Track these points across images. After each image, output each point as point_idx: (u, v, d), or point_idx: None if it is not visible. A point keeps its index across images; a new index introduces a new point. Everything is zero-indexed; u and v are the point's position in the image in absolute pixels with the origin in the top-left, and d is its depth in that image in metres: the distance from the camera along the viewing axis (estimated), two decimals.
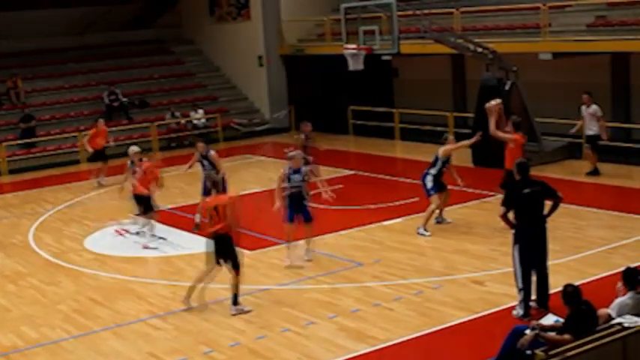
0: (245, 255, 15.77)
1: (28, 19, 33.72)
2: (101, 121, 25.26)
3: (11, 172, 27.90)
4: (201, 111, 32.21)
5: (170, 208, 20.13)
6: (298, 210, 15.08)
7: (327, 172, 22.62)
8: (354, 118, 30.65)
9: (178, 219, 19.07)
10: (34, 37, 33.85)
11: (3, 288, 15.11)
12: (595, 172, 20.86)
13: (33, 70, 33.04)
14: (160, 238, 17.42)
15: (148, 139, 30.33)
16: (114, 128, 30.20)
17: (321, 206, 17.95)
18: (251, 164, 26.55)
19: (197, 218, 17.64)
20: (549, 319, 9.77)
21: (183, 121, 31.38)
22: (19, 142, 29.17)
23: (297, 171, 15.00)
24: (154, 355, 11.42)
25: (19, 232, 19.14)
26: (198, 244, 16.81)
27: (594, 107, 20.89)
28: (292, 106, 32.75)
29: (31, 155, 29.01)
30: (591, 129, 21.01)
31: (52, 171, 27.41)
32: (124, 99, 31.89)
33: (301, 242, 15.44)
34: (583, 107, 21.11)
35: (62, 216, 20.66)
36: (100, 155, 24.73)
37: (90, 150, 24.72)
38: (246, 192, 20.15)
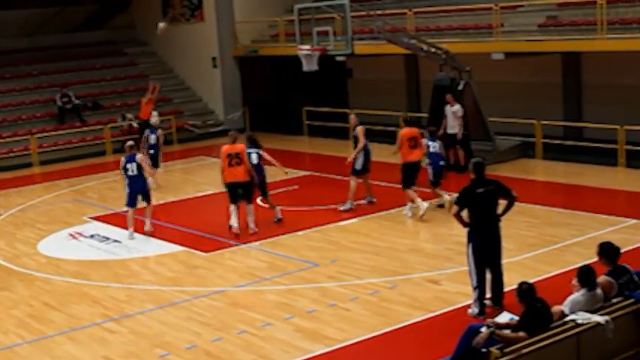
0: (200, 257, 15.81)
1: None
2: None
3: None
4: (155, 113, 31.94)
5: (125, 211, 19.99)
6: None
7: (282, 174, 22.59)
8: (308, 118, 30.66)
9: (133, 222, 18.94)
10: None
11: None
12: (463, 169, 20.79)
13: None
14: (115, 240, 17.31)
15: (102, 141, 30.09)
16: (67, 131, 29.98)
17: (278, 207, 17.98)
18: (205, 166, 26.42)
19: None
20: (504, 317, 9.85)
21: (135, 123, 31.16)
22: None
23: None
24: (109, 358, 11.33)
25: None
26: (152, 247, 16.80)
27: (457, 107, 21.56)
28: (247, 107, 32.71)
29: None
30: (453, 128, 21.59)
31: (3, 174, 27.09)
32: (77, 101, 31.57)
33: None
34: (447, 106, 21.75)
35: (14, 220, 20.41)
36: None
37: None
38: (201, 194, 20.06)
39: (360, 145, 18.41)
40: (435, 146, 18.33)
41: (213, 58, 33.31)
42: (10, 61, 33.65)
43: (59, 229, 18.84)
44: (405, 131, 17.71)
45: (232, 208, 17.01)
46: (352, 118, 19.40)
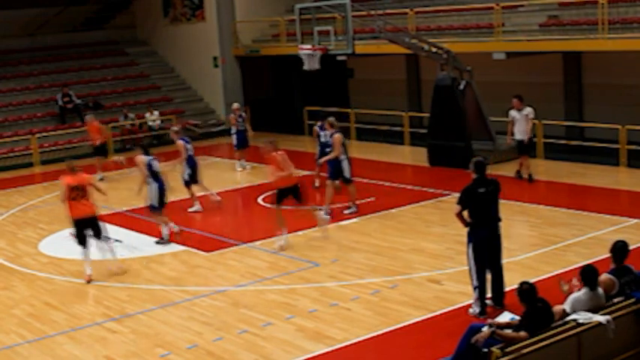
0: (201, 257, 15.81)
1: None
2: (88, 118, 25.19)
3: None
4: (156, 112, 32.02)
5: (125, 211, 20.02)
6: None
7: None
8: (309, 118, 30.66)
9: (134, 221, 18.97)
10: None
11: None
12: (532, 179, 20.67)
13: None
14: (116, 240, 17.27)
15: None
16: (68, 130, 29.98)
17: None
18: (207, 165, 26.41)
19: (176, 228, 17.31)
20: (505, 317, 9.86)
21: (137, 122, 31.16)
22: None
23: None
24: (110, 358, 11.34)
25: None
26: (153, 247, 16.80)
27: (528, 109, 20.28)
28: (248, 106, 32.70)
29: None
30: (522, 133, 20.26)
31: (4, 174, 27.11)
32: (78, 101, 31.60)
33: None
34: (512, 111, 20.47)
35: (16, 219, 20.42)
36: (98, 151, 24.77)
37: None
38: (202, 193, 20.05)
39: (334, 154, 18.05)
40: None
41: (214, 58, 33.32)
42: (11, 60, 33.73)
43: (60, 229, 18.81)
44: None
45: (84, 252, 14.89)
46: (326, 124, 19.01)
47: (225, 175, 24.48)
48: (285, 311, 12.54)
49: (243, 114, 24.97)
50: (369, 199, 19.37)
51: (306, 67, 23.23)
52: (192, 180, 19.74)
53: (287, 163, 16.00)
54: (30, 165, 28.39)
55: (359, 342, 11.25)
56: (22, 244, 18.04)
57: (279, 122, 31.09)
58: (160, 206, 16.94)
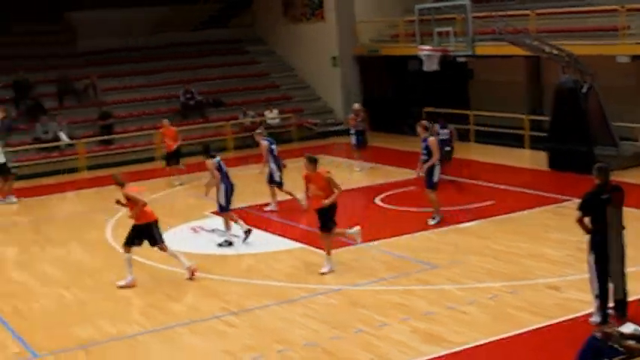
0: (319, 255, 15.92)
1: (107, 18, 34.37)
2: (165, 122, 25.38)
3: (89, 168, 28.41)
4: (275, 111, 32.42)
5: (244, 207, 20.33)
6: None
7: (401, 174, 22.64)
8: (427, 120, 30.47)
9: (253, 218, 19.25)
10: (113, 36, 34.45)
11: (80, 282, 15.43)
12: None
13: (111, 68, 33.61)
14: (235, 236, 17.56)
15: (223, 137, 30.65)
16: (190, 127, 30.58)
17: (397, 208, 17.97)
18: (324, 165, 26.55)
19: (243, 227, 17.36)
20: (629, 328, 9.64)
21: (258, 120, 31.59)
22: (97, 138, 29.71)
23: None
24: (228, 351, 11.54)
25: (96, 228, 19.45)
26: (271, 244, 17.03)
27: None
28: (365, 107, 32.74)
29: (108, 152, 29.52)
30: None
31: (128, 168, 27.82)
32: (200, 97, 32.25)
33: None
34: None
35: None
36: (171, 156, 24.71)
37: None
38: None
39: (435, 158, 17.45)
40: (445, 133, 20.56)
41: (334, 58, 33.49)
42: (136, 57, 34.63)
43: (181, 223, 19.24)
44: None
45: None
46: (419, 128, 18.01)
47: (342, 175, 24.55)
48: (402, 312, 12.54)
49: (363, 114, 25.04)
50: (487, 203, 19.20)
51: (425, 67, 23.18)
52: (277, 180, 19.97)
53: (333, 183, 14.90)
54: (152, 160, 29.06)
55: (475, 347, 11.15)
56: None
57: (397, 123, 31.00)
58: (228, 206, 17.12)
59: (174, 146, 24.54)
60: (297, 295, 13.70)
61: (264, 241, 17.26)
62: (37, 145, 29.16)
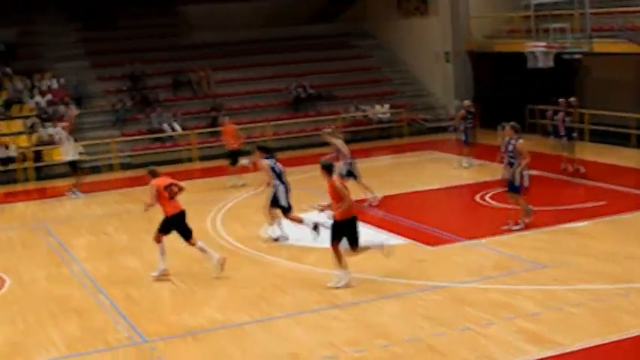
0: (426, 251, 15.88)
1: (221, 11, 34.95)
2: (225, 119, 25.38)
3: (201, 158, 28.94)
4: (386, 105, 32.42)
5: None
6: None
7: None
8: (533, 117, 29.97)
9: (358, 212, 19.27)
10: (226, 29, 34.97)
11: (190, 270, 15.72)
12: None
13: (224, 61, 34.14)
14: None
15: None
16: (301, 119, 30.83)
17: (506, 206, 17.76)
18: (434, 160, 26.52)
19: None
20: None
21: (369, 114, 31.63)
22: (209, 130, 30.22)
23: None
24: (332, 344, 11.59)
25: (207, 218, 19.81)
26: (378, 238, 17.01)
27: None
28: (477, 103, 32.39)
29: (220, 143, 29.93)
30: None
31: (242, 159, 28.13)
32: (311, 91, 32.48)
33: None
34: None
35: (250, 203, 21.15)
36: (232, 155, 24.29)
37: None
38: (427, 188, 20.13)
39: (525, 161, 16.93)
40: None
41: (446, 53, 33.28)
42: (249, 50, 35.05)
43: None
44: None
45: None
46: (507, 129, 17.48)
47: (450, 171, 24.44)
48: (508, 311, 12.39)
49: (473, 110, 24.83)
50: (599, 203, 18.80)
51: (539, 64, 22.83)
52: (353, 175, 19.86)
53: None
54: None
55: (583, 349, 10.93)
56: (254, 227, 18.66)
57: (506, 119, 30.50)
58: (288, 207, 17.11)
59: (236, 145, 24.21)
60: (401, 291, 13.68)
61: (372, 236, 17.26)
62: (150, 136, 29.86)
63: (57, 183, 26.07)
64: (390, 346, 11.36)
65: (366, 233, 17.34)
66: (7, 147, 28.00)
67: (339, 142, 19.93)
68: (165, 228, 15.28)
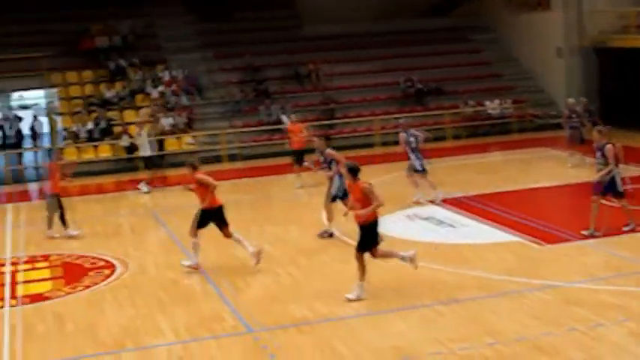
0: (535, 249, 15.61)
1: (333, 4, 35.02)
2: (292, 117, 25.26)
3: (309, 151, 29.01)
4: (497, 101, 32.00)
5: (460, 197, 20.18)
6: None
7: (625, 170, 21.72)
8: None
9: (468, 208, 19.09)
10: (338, 22, 35.01)
11: (296, 262, 15.81)
12: None
13: (335, 54, 34.19)
14: (450, 225, 17.43)
15: (442, 126, 30.54)
16: (409, 115, 30.63)
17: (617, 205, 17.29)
18: (544, 158, 26.04)
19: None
20: None
21: (480, 109, 31.28)
22: (318, 123, 30.31)
23: None
24: (437, 340, 11.48)
25: (314, 210, 19.84)
26: (486, 235, 16.83)
27: None
28: (592, 100, 31.69)
29: (333, 135, 29.99)
30: None
31: (346, 152, 28.09)
32: (420, 86, 32.27)
33: None
34: None
35: None
36: (297, 154, 23.98)
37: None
38: (537, 185, 19.79)
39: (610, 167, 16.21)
40: None
41: (559, 49, 32.62)
42: (358, 43, 34.99)
43: (396, 210, 19.29)
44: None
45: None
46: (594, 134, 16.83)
47: (560, 170, 23.94)
48: (619, 313, 12.05)
49: (592, 108, 24.30)
50: None
51: None
52: (421, 170, 20.01)
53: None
54: (371, 146, 29.34)
55: None
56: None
57: (626, 118, 29.72)
58: (344, 197, 16.73)
59: (300, 145, 23.89)
60: (509, 289, 13.46)
61: (481, 232, 17.09)
62: (260, 128, 30.13)
63: (169, 172, 26.44)
64: (496, 344, 11.18)
65: (481, 230, 17.22)
66: (131, 136, 28.28)
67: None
68: (203, 221, 15.55)
